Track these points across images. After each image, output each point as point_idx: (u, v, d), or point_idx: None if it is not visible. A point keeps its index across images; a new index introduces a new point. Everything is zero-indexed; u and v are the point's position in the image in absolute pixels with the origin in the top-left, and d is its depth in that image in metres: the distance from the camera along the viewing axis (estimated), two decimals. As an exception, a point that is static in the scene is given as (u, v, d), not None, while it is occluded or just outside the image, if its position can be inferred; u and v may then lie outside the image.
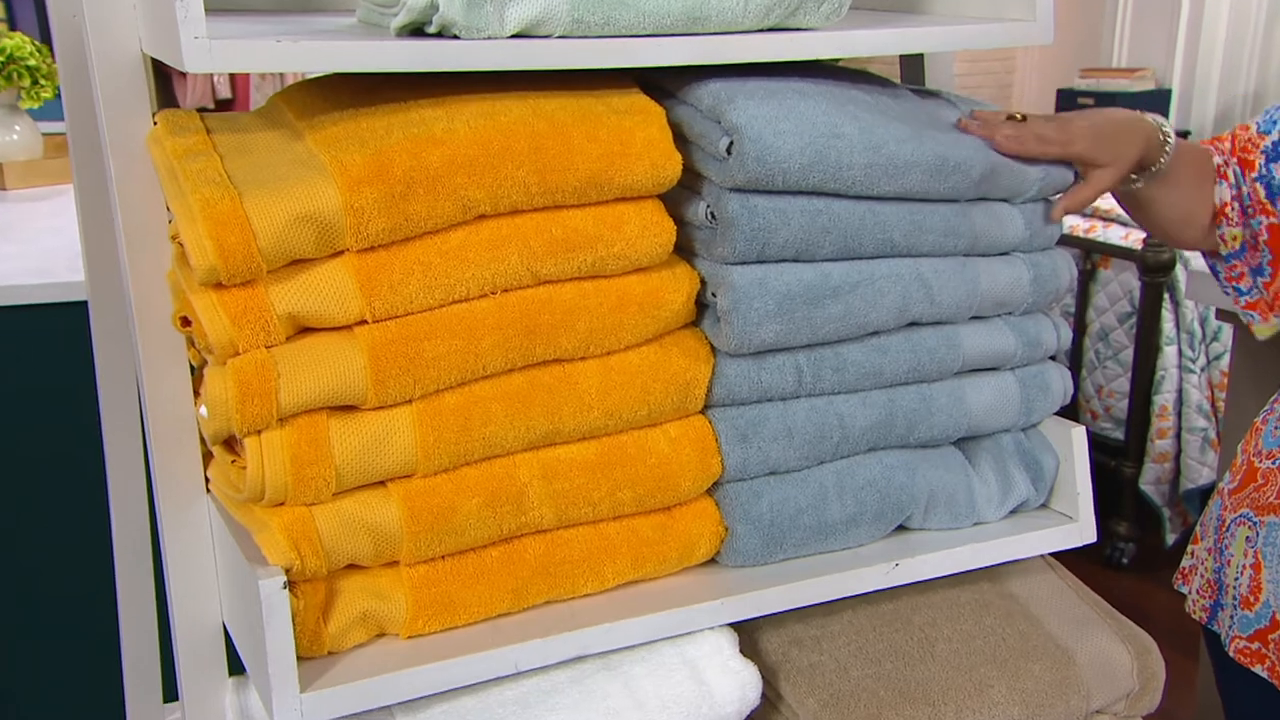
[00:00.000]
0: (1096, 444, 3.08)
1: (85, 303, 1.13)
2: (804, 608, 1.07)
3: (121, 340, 1.12)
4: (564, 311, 0.96)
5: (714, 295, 1.01)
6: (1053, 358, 1.18)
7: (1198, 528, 1.38)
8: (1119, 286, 3.14)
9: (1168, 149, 1.16)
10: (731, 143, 0.96)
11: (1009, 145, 1.07)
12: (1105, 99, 4.62)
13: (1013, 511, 1.17)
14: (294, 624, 0.88)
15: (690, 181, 1.01)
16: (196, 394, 0.95)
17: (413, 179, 0.88)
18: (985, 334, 1.12)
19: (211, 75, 4.63)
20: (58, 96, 2.51)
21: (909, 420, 1.09)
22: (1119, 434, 3.16)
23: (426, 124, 0.91)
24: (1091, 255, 3.17)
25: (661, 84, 1.03)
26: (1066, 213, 1.12)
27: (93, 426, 1.16)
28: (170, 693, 1.15)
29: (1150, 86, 4.78)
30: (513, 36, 0.90)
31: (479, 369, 0.93)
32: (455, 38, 0.90)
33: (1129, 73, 4.83)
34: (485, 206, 0.92)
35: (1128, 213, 1.26)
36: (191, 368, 0.97)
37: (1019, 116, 1.11)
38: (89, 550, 1.44)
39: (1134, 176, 1.18)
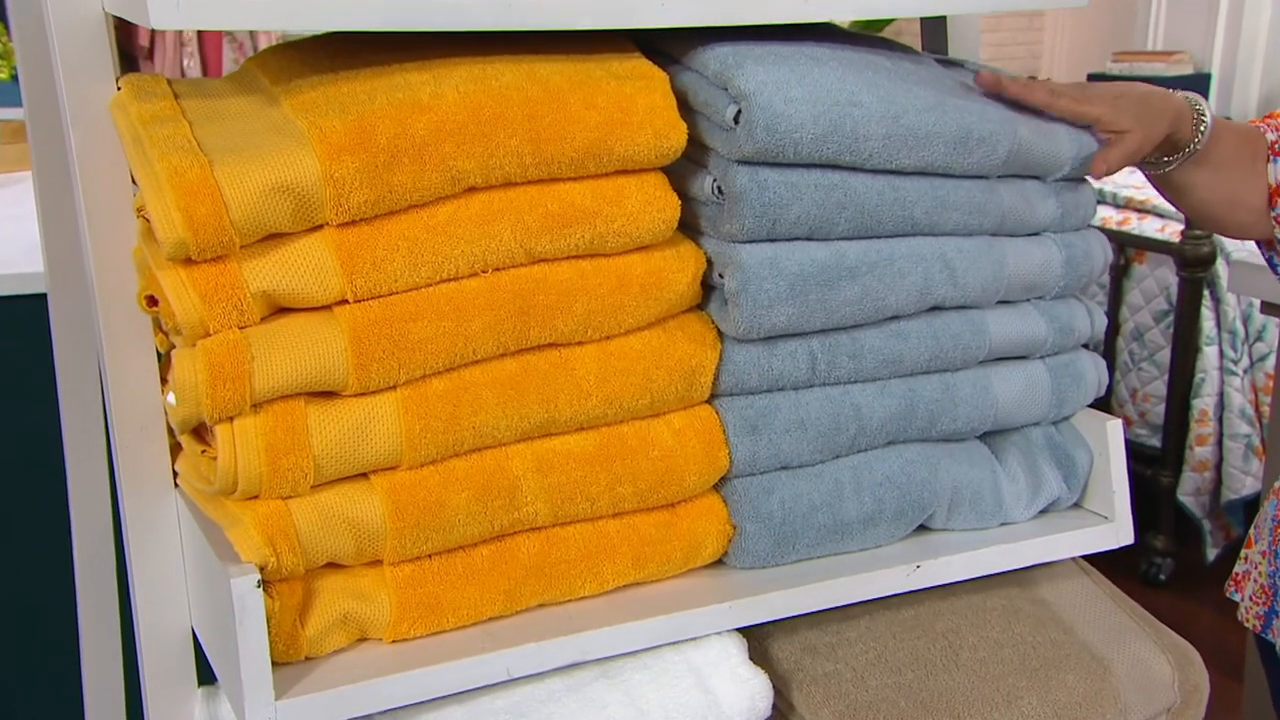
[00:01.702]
0: (1131, 452, 3.07)
1: (44, 295, 1.13)
2: (818, 612, 1.07)
3: (82, 328, 1.12)
4: (560, 292, 0.95)
5: (721, 276, 1.01)
6: (1086, 346, 1.18)
7: (1251, 530, 1.38)
8: (1155, 282, 3.14)
9: (1203, 128, 1.17)
10: (739, 111, 0.96)
11: (1015, 89, 1.10)
12: (1140, 84, 4.62)
13: (1043, 511, 1.17)
14: (269, 626, 0.88)
15: (695, 154, 1.01)
16: (163, 381, 0.95)
17: (397, 148, 0.88)
18: (1013, 319, 1.12)
19: (181, 56, 4.63)
20: (14, 79, 2.50)
21: (931, 412, 1.09)
22: (1155, 441, 3.16)
23: (412, 89, 0.91)
24: (1125, 249, 3.17)
25: (664, 48, 1.04)
26: (1097, 174, 1.13)
27: (52, 423, 1.16)
28: (134, 708, 1.14)
29: (1188, 70, 4.78)
30: (505, -5, 0.90)
31: (469, 353, 0.93)
32: (443, -5, 0.90)
33: (1165, 56, 4.83)
34: (475, 178, 0.92)
35: (1168, 199, 1.26)
36: (158, 354, 0.97)
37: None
38: (47, 553, 1.43)
39: (1167, 158, 1.18)
